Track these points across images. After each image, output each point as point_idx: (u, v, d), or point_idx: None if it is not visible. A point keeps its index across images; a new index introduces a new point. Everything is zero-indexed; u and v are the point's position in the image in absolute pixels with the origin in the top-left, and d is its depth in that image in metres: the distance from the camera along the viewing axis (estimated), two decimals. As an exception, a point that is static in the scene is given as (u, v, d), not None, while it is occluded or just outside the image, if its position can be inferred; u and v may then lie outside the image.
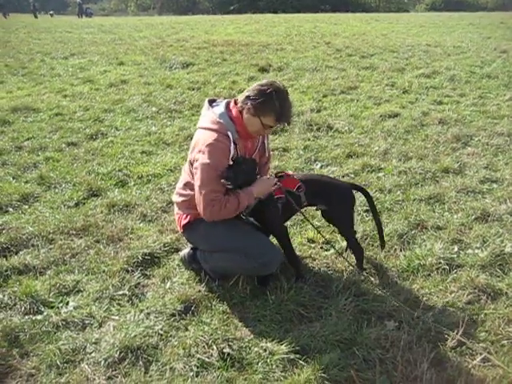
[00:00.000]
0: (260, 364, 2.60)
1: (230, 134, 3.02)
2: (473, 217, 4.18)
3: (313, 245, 3.79)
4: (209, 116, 3.13)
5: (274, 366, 2.59)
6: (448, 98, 8.47)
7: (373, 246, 3.78)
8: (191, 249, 3.40)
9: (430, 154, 5.69)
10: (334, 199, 3.36)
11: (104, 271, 3.41)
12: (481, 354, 2.65)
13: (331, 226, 3.96)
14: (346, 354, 2.68)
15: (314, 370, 2.51)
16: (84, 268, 3.48)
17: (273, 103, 2.95)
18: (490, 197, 4.58)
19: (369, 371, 2.57)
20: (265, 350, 2.70)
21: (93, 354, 2.66)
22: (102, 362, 2.60)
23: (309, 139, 6.29)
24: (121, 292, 3.20)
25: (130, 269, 3.44)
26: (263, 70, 11.02)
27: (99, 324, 2.92)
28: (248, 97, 3.01)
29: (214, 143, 2.98)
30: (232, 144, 3.02)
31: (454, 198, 4.57)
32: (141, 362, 2.61)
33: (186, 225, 3.28)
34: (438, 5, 57.59)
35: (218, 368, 2.57)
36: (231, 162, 3.00)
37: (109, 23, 29.74)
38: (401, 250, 3.72)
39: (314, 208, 3.60)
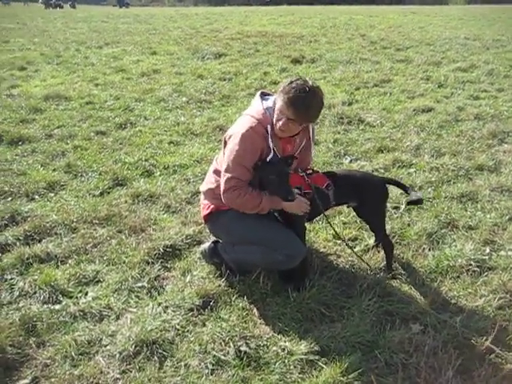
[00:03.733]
0: (277, 364, 2.52)
1: (269, 127, 2.97)
2: (507, 217, 4.01)
3: (338, 241, 3.67)
4: (257, 106, 3.09)
5: (291, 367, 2.51)
6: (485, 93, 8.18)
7: (400, 244, 3.65)
8: (212, 242, 3.34)
9: (464, 151, 5.49)
10: (366, 195, 3.24)
11: (124, 262, 3.38)
12: None
13: (358, 221, 3.86)
14: (368, 357, 2.58)
15: (333, 373, 2.42)
16: (105, 258, 3.45)
17: (286, 88, 2.89)
18: (526, 197, 4.38)
19: (390, 376, 2.47)
20: (283, 350, 2.62)
21: (108, 347, 2.62)
22: (117, 356, 2.56)
23: (339, 132, 6.16)
24: (140, 284, 3.16)
25: (150, 260, 3.40)
26: (296, 61, 10.89)
27: (116, 316, 2.89)
28: (279, 93, 2.96)
29: (249, 131, 2.94)
30: (269, 138, 2.98)
31: (487, 196, 4.39)
32: (156, 357, 2.56)
33: (208, 215, 3.23)
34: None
35: (234, 366, 2.50)
36: (260, 163, 2.96)
37: (144, 13, 30.00)
38: (430, 250, 3.58)
39: (346, 206, 3.48)
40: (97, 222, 3.91)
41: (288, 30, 16.90)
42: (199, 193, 3.90)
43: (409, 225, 3.91)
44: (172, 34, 16.32)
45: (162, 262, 3.40)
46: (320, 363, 2.52)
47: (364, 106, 7.32)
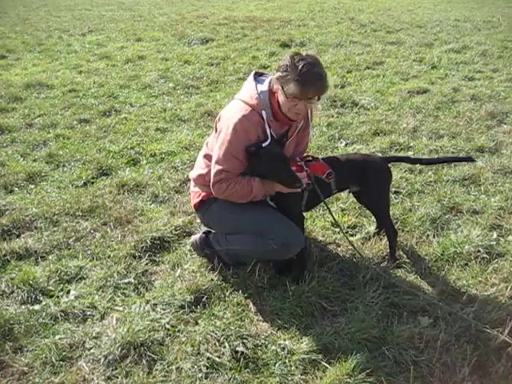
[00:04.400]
0: (277, 365, 2.32)
1: (264, 113, 2.77)
2: (513, 200, 3.81)
3: (337, 229, 3.46)
4: (250, 89, 2.87)
5: (292, 368, 2.31)
6: (480, 74, 7.96)
7: (403, 230, 3.44)
8: (203, 233, 3.12)
9: (463, 132, 5.28)
10: (369, 179, 3.03)
11: (109, 257, 3.15)
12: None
13: (357, 207, 3.66)
14: (375, 354, 2.38)
15: (339, 373, 2.22)
16: (88, 253, 3.22)
17: (290, 66, 2.66)
18: (531, 178, 4.18)
19: (401, 375, 2.27)
20: (283, 349, 2.41)
21: (92, 350, 2.40)
22: (102, 360, 2.34)
23: (332, 116, 5.92)
24: (126, 280, 2.94)
25: (137, 254, 3.17)
26: (285, 45, 10.58)
27: (101, 316, 2.67)
28: (276, 71, 2.78)
29: (242, 120, 2.73)
30: (266, 124, 2.78)
31: (490, 179, 4.19)
32: (144, 361, 2.34)
33: (199, 203, 3.01)
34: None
35: (230, 369, 2.29)
36: (254, 150, 2.73)
37: (129, 0, 29.42)
38: (434, 236, 3.38)
39: (347, 191, 3.26)
40: (80, 214, 3.67)
41: (276, 15, 16.52)
42: (188, 181, 3.69)
43: (410, 210, 3.71)
44: (157, 20, 15.90)
45: (149, 256, 3.18)
46: (324, 363, 2.33)
47: (357, 89, 7.08)
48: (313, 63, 2.68)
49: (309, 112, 3.04)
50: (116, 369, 2.31)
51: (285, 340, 2.47)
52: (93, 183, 4.22)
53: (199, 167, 3.00)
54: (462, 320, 2.56)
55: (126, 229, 3.47)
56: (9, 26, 14.68)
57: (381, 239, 3.30)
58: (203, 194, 2.98)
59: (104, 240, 3.34)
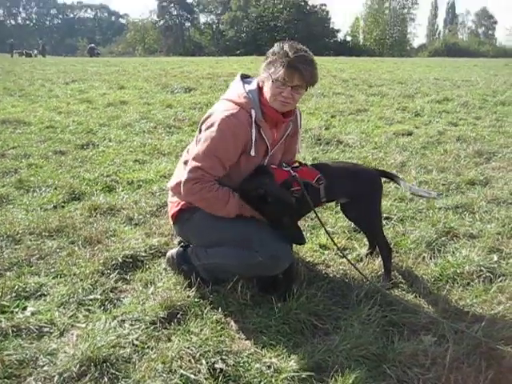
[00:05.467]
0: (262, 383, 1.98)
1: (253, 112, 2.57)
2: (510, 225, 3.61)
3: (326, 252, 3.19)
4: (237, 88, 2.69)
5: (280, 387, 1.97)
6: (463, 121, 7.99)
7: (398, 252, 3.19)
8: (181, 247, 2.83)
9: (452, 168, 5.15)
10: (360, 189, 2.80)
11: (75, 274, 2.82)
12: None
13: (347, 231, 3.41)
14: (374, 373, 2.07)
15: (334, 392, 1.89)
16: (52, 271, 2.88)
17: (281, 51, 2.52)
18: (525, 207, 4.00)
19: (405, 396, 1.95)
20: (269, 367, 2.09)
21: (45, 368, 2.05)
22: (56, 378, 1.99)
23: (317, 152, 5.76)
24: (91, 296, 2.60)
25: (106, 272, 2.85)
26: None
27: (60, 332, 2.32)
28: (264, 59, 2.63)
29: (230, 119, 2.52)
30: (253, 125, 2.57)
31: (484, 207, 4.00)
32: (106, 379, 1.99)
33: (178, 213, 2.73)
34: (440, 51, 58.13)
35: (207, 387, 1.95)
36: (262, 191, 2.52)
37: (115, 60, 29.92)
38: (431, 258, 3.13)
39: (334, 203, 3.02)
40: (46, 234, 3.35)
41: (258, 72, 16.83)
42: (166, 205, 3.42)
43: (403, 234, 3.47)
44: (141, 74, 16.02)
45: (119, 274, 2.85)
46: (315, 381, 2.00)
47: (342, 130, 7.00)
48: (303, 49, 2.56)
49: (298, 118, 2.86)
50: (72, 388, 1.95)
51: (271, 358, 2.15)
52: (63, 207, 3.91)
53: (179, 176, 2.75)
54: (469, 338, 2.27)
55: (95, 248, 3.15)
56: (-9, 76, 14.60)
57: (374, 260, 3.03)
58: (183, 203, 2.71)
59: (70, 258, 3.02)
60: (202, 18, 75.95)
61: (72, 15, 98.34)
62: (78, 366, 2.03)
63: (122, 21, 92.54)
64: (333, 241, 2.82)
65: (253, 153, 2.57)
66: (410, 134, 6.83)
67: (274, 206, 2.49)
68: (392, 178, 3.11)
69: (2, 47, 49.29)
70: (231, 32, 62.11)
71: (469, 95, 10.73)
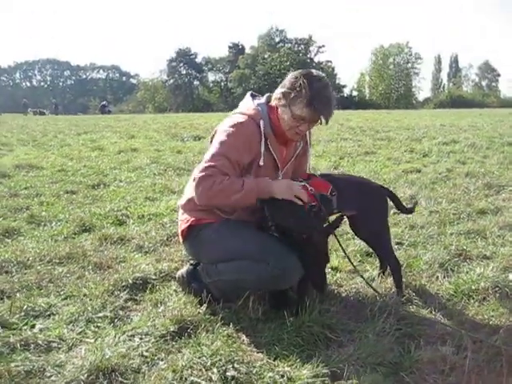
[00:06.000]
0: (275, 391, 1.92)
1: (262, 123, 2.61)
2: (524, 248, 3.55)
3: (338, 274, 3.15)
4: (246, 103, 2.77)
5: (294, 395, 1.91)
6: (471, 160, 8.01)
7: (411, 272, 3.14)
8: (191, 264, 2.81)
9: (462, 199, 5.13)
10: (369, 202, 2.79)
11: (85, 294, 2.80)
12: None
13: (359, 255, 3.38)
14: (392, 380, 2.00)
15: (351, 396, 1.83)
16: (62, 293, 2.86)
17: (302, 86, 2.53)
18: (539, 233, 3.95)
19: (425, 401, 1.88)
20: (282, 376, 2.03)
21: (52, 378, 2.00)
22: (64, 387, 1.94)
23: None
24: (101, 314, 2.57)
25: (116, 292, 2.82)
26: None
27: (68, 347, 2.27)
28: (281, 87, 2.67)
29: (238, 125, 2.57)
30: (262, 136, 2.61)
31: (496, 232, 3.96)
32: (114, 387, 1.94)
33: (187, 230, 2.73)
34: (445, 103, 58.90)
35: (219, 394, 1.89)
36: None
37: (125, 116, 30.61)
38: (444, 277, 3.08)
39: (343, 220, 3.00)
40: (56, 261, 3.34)
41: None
42: (177, 235, 3.42)
43: (415, 257, 3.42)
44: (151, 126, 16.35)
45: (129, 294, 2.83)
46: (331, 388, 1.93)
47: (351, 169, 7.04)
48: (325, 85, 2.61)
49: (307, 136, 2.89)
50: (79, 397, 1.90)
51: (284, 367, 2.08)
52: (73, 238, 3.92)
53: (189, 192, 2.77)
54: (488, 347, 2.20)
55: (105, 272, 3.14)
56: (5, 130, 14.97)
57: (386, 279, 2.98)
58: (192, 219, 2.71)
59: (80, 280, 3.00)
60: (211, 77, 77.95)
61: (84, 76, 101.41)
62: (86, 375, 1.99)
63: (133, 81, 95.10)
64: (347, 256, 2.78)
65: (261, 162, 2.59)
66: (418, 171, 6.85)
67: (311, 250, 2.49)
68: (395, 199, 3.07)
69: (16, 108, 50.66)
70: (239, 89, 63.48)
71: (476, 137, 10.82)
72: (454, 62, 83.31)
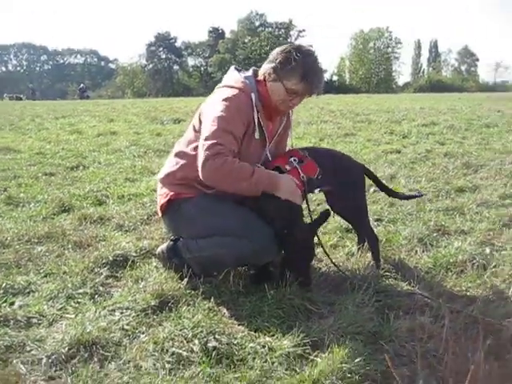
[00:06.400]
0: (257, 360, 1.94)
1: (253, 95, 2.57)
2: (501, 223, 3.62)
3: (318, 248, 3.16)
4: (233, 76, 2.73)
5: (275, 364, 1.92)
6: (450, 140, 8.10)
7: (390, 247, 3.18)
8: (171, 240, 2.80)
9: (441, 178, 5.19)
10: (346, 177, 2.80)
11: (65, 272, 2.77)
12: (549, 344, 2.00)
13: (339, 231, 3.40)
14: (372, 348, 2.02)
15: (331, 363, 1.85)
16: (41, 271, 2.83)
17: (294, 60, 2.52)
18: (516, 209, 4.02)
19: (404, 367, 1.91)
20: (263, 346, 2.04)
21: (33, 352, 1.98)
22: (44, 360, 1.92)
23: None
24: (81, 290, 2.55)
25: (96, 269, 2.80)
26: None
27: (49, 323, 2.26)
28: (269, 61, 2.64)
29: (232, 98, 2.53)
30: (255, 108, 2.57)
31: (474, 209, 4.02)
32: (95, 359, 1.94)
33: (166, 204, 2.71)
34: (425, 88, 59.24)
35: (200, 364, 1.90)
36: None
37: (104, 101, 30.21)
38: (423, 251, 3.12)
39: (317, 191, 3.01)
40: (35, 240, 3.30)
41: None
42: (157, 214, 3.40)
43: (395, 232, 3.46)
44: (131, 110, 16.18)
45: (110, 271, 2.81)
46: (311, 357, 1.96)
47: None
48: (316, 58, 2.62)
49: (290, 112, 2.89)
50: (60, 369, 1.89)
51: (265, 338, 2.10)
52: (53, 218, 3.87)
53: (169, 167, 2.76)
54: (466, 317, 2.25)
55: (85, 250, 3.12)
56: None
57: (365, 254, 3.00)
58: (171, 193, 2.70)
59: (60, 259, 2.98)
60: (191, 61, 77.25)
61: (62, 61, 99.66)
62: (66, 348, 1.98)
63: (112, 66, 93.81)
64: (325, 250, 2.79)
65: (257, 135, 2.59)
66: (398, 151, 6.90)
67: (293, 247, 2.51)
68: (374, 178, 3.10)
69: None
70: (219, 74, 62.99)
71: (454, 120, 10.94)
72: (434, 47, 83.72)
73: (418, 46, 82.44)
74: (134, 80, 69.90)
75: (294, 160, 2.67)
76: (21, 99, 41.40)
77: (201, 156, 2.41)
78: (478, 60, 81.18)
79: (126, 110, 16.05)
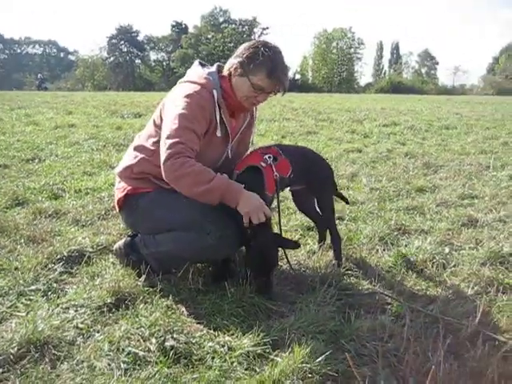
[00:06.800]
0: (216, 360, 1.89)
1: (215, 92, 2.51)
2: (459, 223, 3.68)
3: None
4: (196, 71, 2.65)
5: (234, 363, 1.88)
6: (411, 141, 8.24)
7: (351, 245, 3.17)
8: (128, 236, 2.72)
9: (401, 177, 5.25)
10: (317, 176, 2.78)
11: (16, 268, 2.65)
12: (506, 343, 2.02)
13: (300, 229, 3.38)
14: (332, 347, 2.00)
15: (291, 363, 1.81)
16: (-10, 267, 2.70)
17: (262, 55, 2.47)
18: (473, 209, 4.10)
19: (366, 367, 1.89)
20: (222, 346, 1.99)
21: (-21, 352, 1.88)
22: (-9, 362, 1.82)
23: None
24: (33, 287, 2.44)
25: (50, 265, 2.69)
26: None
27: (-3, 322, 2.15)
28: (235, 56, 2.58)
29: (194, 95, 2.47)
30: (216, 105, 2.51)
31: (434, 209, 4.08)
32: (46, 359, 1.85)
33: (123, 199, 2.64)
34: (386, 89, 60.21)
35: (157, 363, 1.84)
36: None
37: (63, 93, 29.48)
38: (384, 250, 3.14)
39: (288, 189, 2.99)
40: (-16, 234, 3.16)
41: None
42: (114, 209, 3.30)
43: (356, 231, 3.46)
44: (90, 103, 15.79)
45: (64, 267, 2.70)
46: (272, 356, 1.92)
47: (293, 148, 7.04)
48: (282, 55, 2.58)
49: (254, 109, 2.85)
50: (8, 371, 1.79)
51: (224, 337, 2.05)
52: (5, 212, 3.71)
53: (127, 160, 2.68)
54: (426, 316, 2.26)
55: (39, 246, 2.99)
56: None
57: (327, 252, 2.99)
58: (128, 188, 2.62)
59: (11, 254, 2.84)
60: (153, 56, 76.27)
61: (19, 51, 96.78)
62: (16, 348, 1.88)
63: (72, 57, 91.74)
64: (288, 259, 2.74)
65: (219, 133, 2.54)
66: (359, 151, 6.96)
67: (254, 251, 2.43)
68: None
69: None
70: (182, 69, 62.44)
71: (415, 121, 11.12)
72: (395, 48, 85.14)
73: (380, 48, 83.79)
74: (95, 73, 68.55)
75: (269, 157, 2.62)
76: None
77: (162, 155, 2.36)
78: (437, 63, 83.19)
79: (85, 103, 15.64)
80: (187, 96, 2.46)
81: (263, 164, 2.58)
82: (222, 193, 2.35)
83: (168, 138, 2.36)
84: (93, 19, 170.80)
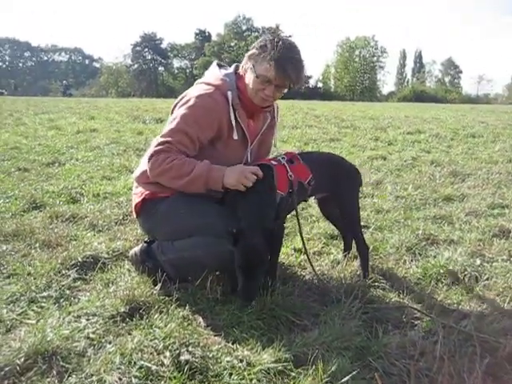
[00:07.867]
0: (234, 376, 1.76)
1: (229, 94, 2.44)
2: (490, 233, 3.50)
3: (302, 256, 3.00)
4: (213, 72, 2.60)
5: (254, 381, 1.75)
6: (436, 149, 8.02)
7: (377, 256, 3.02)
8: (145, 242, 2.61)
9: (428, 185, 5.07)
10: (342, 183, 2.65)
11: (29, 273, 2.57)
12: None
13: (323, 237, 3.25)
14: (359, 365, 1.86)
15: (315, 381, 1.68)
16: (4, 271, 2.63)
17: (269, 46, 2.39)
18: (504, 219, 3.90)
19: (394, 387, 1.75)
20: (241, 361, 1.86)
21: (-16, 362, 1.78)
22: (-3, 372, 1.72)
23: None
24: (45, 293, 2.35)
25: (64, 271, 2.61)
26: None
27: (7, 329, 2.06)
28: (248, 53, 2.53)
29: (204, 96, 2.42)
30: (231, 107, 2.44)
31: (463, 218, 3.89)
32: (54, 372, 1.74)
33: (141, 204, 2.55)
34: (409, 98, 59.62)
35: (171, 379, 1.72)
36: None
37: (87, 99, 29.79)
38: (412, 261, 2.98)
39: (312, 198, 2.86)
40: (1, 238, 3.09)
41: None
42: (132, 215, 3.21)
43: (382, 240, 3.31)
44: (113, 109, 15.87)
45: (78, 273, 2.61)
46: (293, 373, 1.78)
47: (315, 155, 6.91)
48: (292, 46, 2.46)
49: (274, 110, 2.73)
50: (14, 383, 1.69)
51: (243, 352, 1.92)
52: (22, 215, 3.65)
53: (144, 164, 2.58)
54: (459, 333, 2.09)
55: (54, 250, 2.90)
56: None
57: (351, 262, 2.85)
58: (146, 192, 2.53)
59: (25, 259, 2.77)
60: (176, 63, 76.91)
61: (46, 58, 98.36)
62: (23, 359, 1.78)
63: (96, 64, 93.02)
64: (304, 247, 2.63)
65: (235, 136, 2.47)
66: (384, 158, 6.79)
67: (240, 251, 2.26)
68: None
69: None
70: (205, 77, 62.83)
71: (440, 129, 10.88)
72: (418, 57, 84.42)
73: (403, 56, 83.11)
74: (119, 80, 69.37)
75: (283, 158, 2.51)
76: (2, 94, 40.81)
77: (149, 152, 2.39)
78: (461, 72, 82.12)
79: (108, 109, 15.73)
80: (197, 97, 2.42)
81: (274, 162, 2.47)
82: (204, 180, 2.34)
83: (161, 136, 2.40)
84: (117, 27, 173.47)
